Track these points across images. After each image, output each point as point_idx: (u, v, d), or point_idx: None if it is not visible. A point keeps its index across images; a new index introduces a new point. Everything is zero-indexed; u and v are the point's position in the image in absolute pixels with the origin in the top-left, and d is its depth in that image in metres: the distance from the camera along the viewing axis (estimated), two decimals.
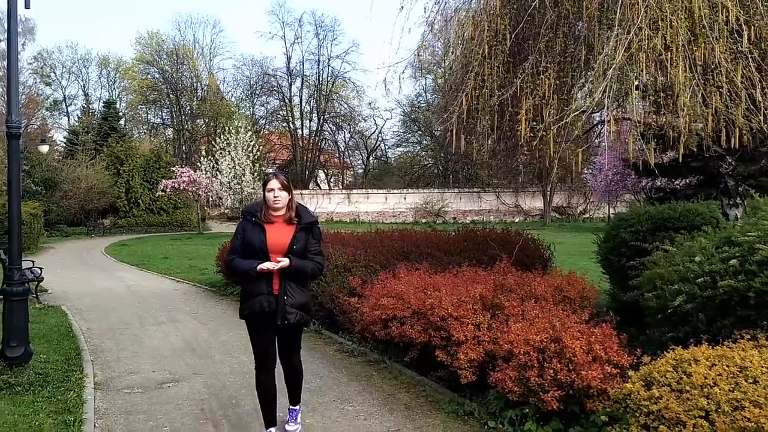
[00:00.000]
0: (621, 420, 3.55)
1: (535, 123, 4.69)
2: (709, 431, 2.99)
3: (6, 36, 6.14)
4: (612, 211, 33.87)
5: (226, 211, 39.48)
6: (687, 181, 9.05)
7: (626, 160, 8.70)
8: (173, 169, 36.07)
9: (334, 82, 56.02)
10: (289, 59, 56.29)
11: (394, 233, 10.56)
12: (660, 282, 4.51)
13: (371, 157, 61.11)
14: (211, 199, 36.26)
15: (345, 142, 59.47)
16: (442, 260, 8.41)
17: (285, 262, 4.22)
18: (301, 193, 47.89)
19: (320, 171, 59.76)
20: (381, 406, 5.31)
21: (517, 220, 45.86)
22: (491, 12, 4.80)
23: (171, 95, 54.16)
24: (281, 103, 56.78)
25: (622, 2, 4.00)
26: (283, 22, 67.15)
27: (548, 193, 44.00)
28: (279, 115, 57.59)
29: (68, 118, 59.61)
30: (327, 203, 47.88)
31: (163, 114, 58.46)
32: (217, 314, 10.12)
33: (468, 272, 6.81)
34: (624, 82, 4.13)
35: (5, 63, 47.43)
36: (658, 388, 3.39)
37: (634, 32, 3.90)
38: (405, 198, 48.22)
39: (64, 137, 49.80)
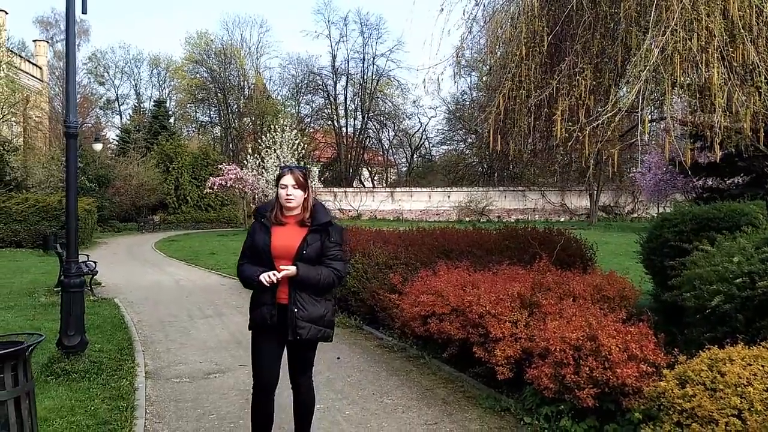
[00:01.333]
0: (655, 418, 3.59)
1: (570, 124, 4.72)
2: (741, 429, 3.02)
3: (64, 39, 6.44)
4: (661, 210, 33.17)
5: None
6: (734, 180, 8.88)
7: (671, 159, 8.58)
8: (220, 166, 36.76)
9: (378, 81, 56.24)
10: (334, 58, 56.81)
11: (435, 231, 10.64)
12: (699, 282, 4.50)
13: (415, 155, 61.16)
14: (257, 196, 36.83)
15: (389, 140, 59.72)
16: (483, 259, 8.44)
17: (289, 270, 3.71)
18: (345, 191, 48.30)
19: (364, 169, 60.08)
20: (419, 400, 5.42)
21: (562, 219, 45.31)
22: (529, 13, 4.85)
23: (219, 94, 55.17)
24: (326, 101, 57.32)
25: (657, 4, 4.01)
26: (328, 21, 67.98)
27: (595, 192, 43.21)
28: (324, 114, 58.15)
29: (120, 116, 61.49)
30: (371, 201, 48.12)
31: (211, 112, 59.64)
32: None
33: (507, 271, 6.85)
34: (660, 83, 4.13)
35: (63, 63, 49.12)
36: (692, 387, 3.42)
37: (669, 34, 3.91)
38: (449, 196, 48.06)
39: (117, 135, 51.41)
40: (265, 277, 3.68)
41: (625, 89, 4.37)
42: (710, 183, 9.89)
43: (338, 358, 6.90)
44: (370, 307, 8.32)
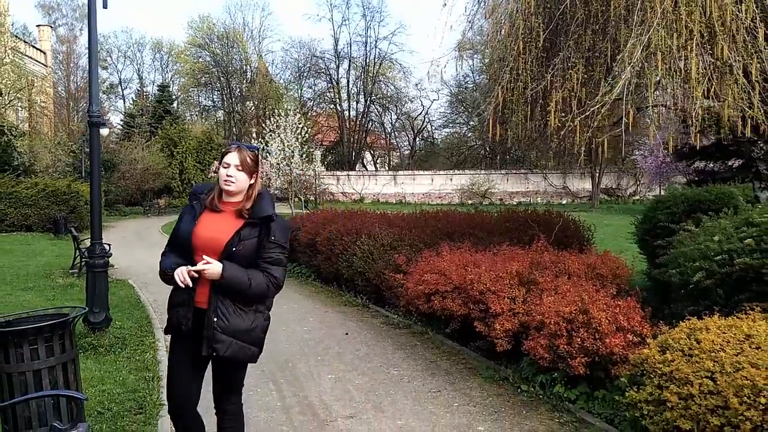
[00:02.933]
0: (639, 383, 3.95)
1: (563, 114, 5.05)
2: (712, 388, 3.37)
3: (87, 33, 6.75)
4: (663, 193, 33.40)
5: (276, 191, 40.49)
6: (728, 164, 9.20)
7: (665, 143, 8.90)
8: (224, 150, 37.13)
9: (380, 64, 56.28)
10: (336, 41, 56.82)
11: (438, 214, 10.99)
12: (683, 260, 4.85)
13: (418, 138, 61.35)
14: (260, 180, 37.21)
15: (392, 123, 59.87)
16: (484, 240, 8.79)
17: (210, 267, 3.00)
18: (348, 174, 48.53)
19: (367, 152, 60.29)
20: (423, 371, 5.81)
21: (564, 202, 45.54)
22: (526, 10, 5.16)
23: (221, 78, 55.29)
24: (328, 85, 57.42)
25: (641, 5, 4.31)
26: (330, 4, 67.97)
27: (597, 174, 43.40)
28: (326, 97, 58.27)
29: (124, 101, 61.67)
30: (373, 184, 48.35)
31: (214, 96, 59.79)
32: None
33: (507, 251, 7.20)
34: (644, 77, 4.46)
35: (65, 48, 49.00)
36: (672, 353, 3.78)
37: (651, 33, 4.23)
38: (451, 179, 48.22)
39: (121, 120, 51.65)
40: (179, 274, 3.02)
41: (609, 82, 4.68)
42: (705, 166, 10.20)
43: (346, 334, 7.29)
44: (376, 287, 8.69)
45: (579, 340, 4.65)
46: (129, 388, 5.27)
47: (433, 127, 61.09)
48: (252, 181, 3.21)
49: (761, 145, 7.44)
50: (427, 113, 60.01)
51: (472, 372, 5.73)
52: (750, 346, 3.54)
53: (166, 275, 3.14)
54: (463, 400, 5.01)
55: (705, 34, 4.39)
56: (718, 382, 3.36)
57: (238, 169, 3.16)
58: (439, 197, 46.66)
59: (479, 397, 5.09)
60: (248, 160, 3.19)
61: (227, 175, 3.16)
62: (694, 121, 4.39)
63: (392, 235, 9.19)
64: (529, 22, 5.15)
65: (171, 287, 3.21)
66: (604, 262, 6.47)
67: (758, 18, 4.38)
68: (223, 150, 3.25)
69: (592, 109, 4.57)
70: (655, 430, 3.70)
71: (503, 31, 5.51)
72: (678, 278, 4.83)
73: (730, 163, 9.23)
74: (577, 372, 4.66)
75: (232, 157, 3.17)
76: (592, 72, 5.12)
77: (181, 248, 3.18)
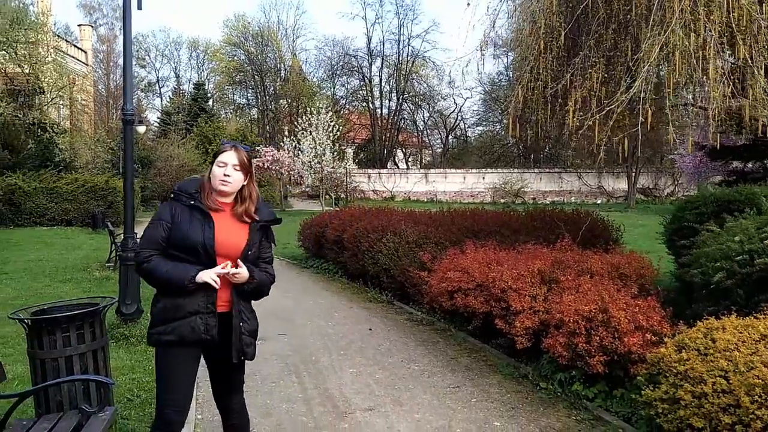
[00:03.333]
0: (655, 381, 3.96)
1: (581, 113, 5.06)
2: (725, 387, 3.38)
3: (122, 34, 6.97)
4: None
5: (307, 189, 40.83)
6: (762, 164, 9.07)
7: (697, 143, 8.80)
8: (257, 148, 37.57)
9: (413, 62, 56.27)
10: (369, 39, 57.04)
11: (466, 212, 11.03)
12: (704, 260, 4.83)
13: (450, 137, 61.17)
14: (293, 177, 37.54)
15: (424, 121, 59.81)
16: (509, 238, 8.80)
17: (243, 271, 3.01)
18: (379, 172, 48.61)
19: (398, 150, 60.35)
20: (444, 367, 5.88)
21: (599, 202, 44.92)
22: (548, 10, 5.18)
23: (256, 76, 55.90)
24: (361, 83, 57.64)
25: (661, 5, 4.30)
26: (364, 3, 67.78)
27: (633, 174, 42.70)
28: (359, 95, 58.50)
29: (161, 98, 62.85)
30: (404, 183, 48.34)
31: (248, 94, 60.49)
32: (298, 285, 10.93)
33: (531, 249, 7.21)
34: (662, 77, 4.45)
35: (105, 47, 49.99)
36: (687, 352, 3.78)
37: (668, 33, 4.22)
38: (483, 178, 47.93)
39: (158, 117, 52.67)
40: (212, 277, 2.94)
41: (627, 82, 4.68)
42: (740, 166, 10.06)
43: (370, 329, 7.39)
44: (400, 284, 8.78)
45: (598, 338, 4.67)
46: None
47: (466, 125, 60.87)
48: (247, 181, 3.15)
49: None
50: (460, 111, 59.80)
51: (492, 369, 5.78)
52: (765, 346, 3.54)
53: (177, 282, 2.94)
54: (481, 396, 5.07)
55: (726, 34, 4.37)
56: (731, 381, 3.36)
57: (236, 169, 3.09)
58: (471, 196, 46.45)
59: (497, 393, 5.14)
60: (245, 159, 3.13)
61: (225, 175, 3.07)
62: (711, 121, 4.37)
63: (418, 233, 9.25)
64: (550, 21, 5.16)
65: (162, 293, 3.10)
66: (629, 262, 6.43)
67: None
68: (217, 150, 3.16)
69: (608, 108, 4.58)
70: (669, 428, 3.72)
71: (525, 30, 5.55)
72: (699, 278, 4.82)
73: (766, 163, 9.09)
74: (595, 370, 4.68)
75: (230, 156, 3.09)
76: (612, 71, 5.13)
77: (185, 253, 3.00)
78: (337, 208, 19.95)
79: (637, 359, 4.52)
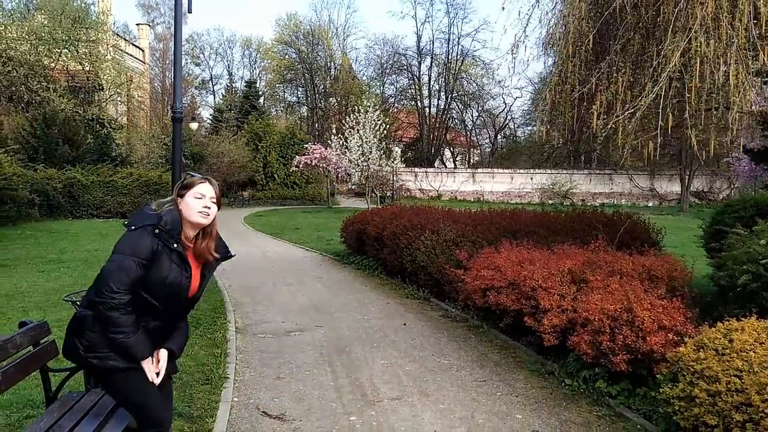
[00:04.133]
0: (675, 379, 4.04)
1: (605, 117, 5.12)
2: (738, 387, 3.45)
3: (164, 22, 7.31)
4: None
5: (353, 186, 41.23)
6: None
7: (744, 146, 8.68)
8: (306, 145, 38.12)
9: (463, 61, 56.09)
10: (419, 38, 57.53)
11: (505, 212, 11.10)
12: (731, 263, 4.85)
13: (499, 136, 60.76)
14: (340, 175, 37.99)
15: (473, 120, 59.59)
16: (547, 239, 8.85)
17: (165, 358, 3.02)
18: (426, 171, 48.69)
19: (446, 149, 60.24)
20: (473, 362, 6.02)
21: (650, 205, 44.03)
22: (577, 15, 5.25)
23: (306, 74, 56.65)
24: (410, 81, 57.78)
25: (684, 11, 4.33)
26: (414, 1, 68.19)
27: (686, 176, 41.61)
28: (408, 94, 58.66)
29: (214, 96, 64.38)
30: (451, 182, 48.29)
31: (299, 93, 61.38)
32: (338, 279, 11.19)
33: (565, 250, 7.28)
34: (683, 81, 4.49)
35: (162, 45, 51.42)
36: (705, 352, 3.85)
37: (689, 39, 4.25)
38: (532, 178, 47.47)
39: (210, 114, 54.00)
40: (151, 373, 2.91)
41: (650, 86, 4.72)
42: None
43: (404, 324, 7.58)
44: (437, 281, 8.93)
45: (622, 337, 4.75)
46: (199, 362, 5.77)
47: (516, 125, 60.35)
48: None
49: None
50: (509, 110, 59.35)
51: (519, 365, 5.89)
52: None
53: (132, 353, 2.83)
54: (507, 390, 5.20)
55: (751, 40, 4.37)
56: (744, 381, 3.43)
57: (213, 202, 3.02)
58: (519, 196, 46.07)
59: (523, 388, 5.26)
60: (219, 192, 3.08)
61: (205, 207, 2.97)
62: (731, 126, 4.39)
63: (455, 232, 9.38)
64: (579, 25, 5.24)
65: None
66: (661, 264, 6.44)
67: None
68: (186, 181, 3.03)
69: (628, 112, 4.64)
70: (685, 425, 3.80)
71: (555, 34, 5.63)
72: (726, 281, 4.84)
73: None
74: (618, 368, 4.76)
75: (208, 189, 3.00)
76: (639, 76, 5.17)
77: (159, 299, 2.88)
78: (381, 206, 20.18)
79: (659, 358, 4.58)
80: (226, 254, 3.17)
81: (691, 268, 6.74)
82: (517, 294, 6.31)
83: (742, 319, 4.07)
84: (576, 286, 5.91)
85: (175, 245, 2.87)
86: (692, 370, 3.83)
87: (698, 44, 4.31)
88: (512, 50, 5.75)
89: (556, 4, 5.72)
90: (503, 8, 5.84)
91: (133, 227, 2.87)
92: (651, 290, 5.27)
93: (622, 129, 4.89)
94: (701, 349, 3.92)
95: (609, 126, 4.98)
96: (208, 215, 2.97)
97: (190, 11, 6.94)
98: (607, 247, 7.14)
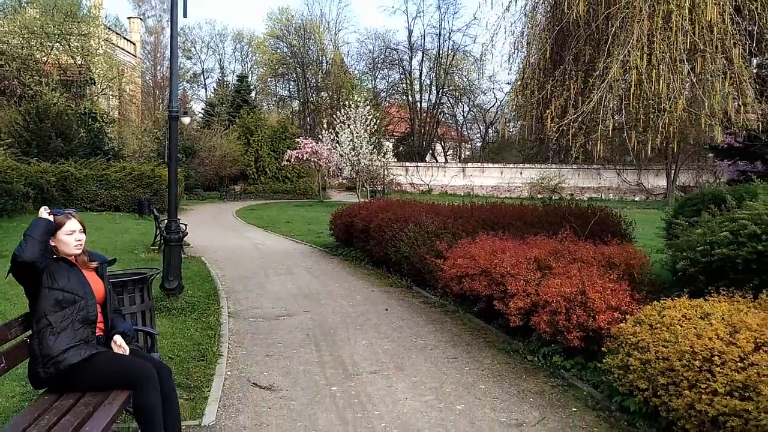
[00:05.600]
0: (616, 351, 4.59)
1: (558, 120, 5.66)
2: (665, 355, 3.99)
3: (169, 34, 7.77)
4: None
5: (344, 180, 41.73)
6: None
7: (711, 145, 9.25)
8: (297, 140, 38.60)
9: (454, 56, 56.56)
10: (410, 33, 57.87)
11: (485, 206, 11.63)
12: (674, 250, 5.40)
13: (490, 131, 61.32)
14: (331, 169, 38.46)
15: (463, 115, 60.09)
16: (522, 230, 9.37)
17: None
18: (417, 166, 49.14)
19: (438, 144, 60.74)
20: (446, 342, 6.56)
21: (637, 199, 44.71)
22: (537, 26, 5.77)
23: (298, 69, 56.99)
24: (402, 76, 58.23)
25: (624, 28, 4.87)
26: None
27: (672, 171, 42.22)
28: (399, 88, 59.09)
29: (206, 89, 64.60)
30: (442, 176, 48.75)
31: (290, 87, 61.74)
32: (327, 270, 11.72)
33: (536, 240, 7.82)
34: (620, 89, 5.03)
35: (153, 38, 51.42)
36: (641, 326, 4.41)
37: (626, 52, 4.78)
38: (521, 173, 47.95)
39: (202, 108, 54.24)
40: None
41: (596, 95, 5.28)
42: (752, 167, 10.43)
43: (386, 309, 8.11)
44: (418, 270, 9.46)
45: (575, 316, 5.29)
46: (195, 341, 6.29)
47: (506, 120, 60.70)
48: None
49: None
50: (500, 105, 59.82)
51: (489, 345, 6.44)
52: (703, 321, 4.13)
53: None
54: (474, 366, 5.74)
55: (687, 51, 4.91)
56: (668, 349, 3.98)
57: (81, 232, 3.73)
58: (509, 190, 46.63)
59: (489, 363, 5.81)
60: (81, 221, 3.79)
61: (77, 240, 3.69)
62: (661, 128, 4.93)
63: (437, 224, 9.89)
64: (537, 36, 5.75)
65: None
66: (620, 253, 6.98)
67: (735, 38, 4.86)
68: (56, 221, 3.61)
69: (574, 117, 5.19)
70: (622, 390, 4.36)
71: (519, 43, 6.16)
72: (669, 266, 5.39)
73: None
74: (573, 344, 5.31)
75: (74, 224, 3.69)
76: (591, 84, 5.69)
77: (72, 311, 3.56)
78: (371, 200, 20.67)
79: (606, 335, 5.12)
80: (105, 259, 4.00)
81: (648, 257, 7.31)
82: (488, 280, 6.84)
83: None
84: (541, 272, 6.45)
85: (54, 255, 3.66)
86: (629, 342, 4.38)
87: (635, 57, 4.85)
88: (480, 57, 6.22)
89: (519, 16, 6.24)
90: (474, 17, 6.30)
91: None
92: (605, 275, 5.82)
93: (572, 131, 5.42)
94: (638, 325, 4.47)
95: (560, 128, 5.51)
96: (81, 245, 3.73)
97: (185, 16, 7.41)
98: (573, 238, 7.68)
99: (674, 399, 3.80)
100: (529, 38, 5.92)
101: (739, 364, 3.56)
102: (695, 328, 4.02)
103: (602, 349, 5.17)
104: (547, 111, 5.67)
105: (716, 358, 3.66)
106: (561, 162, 50.26)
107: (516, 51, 6.30)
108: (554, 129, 5.66)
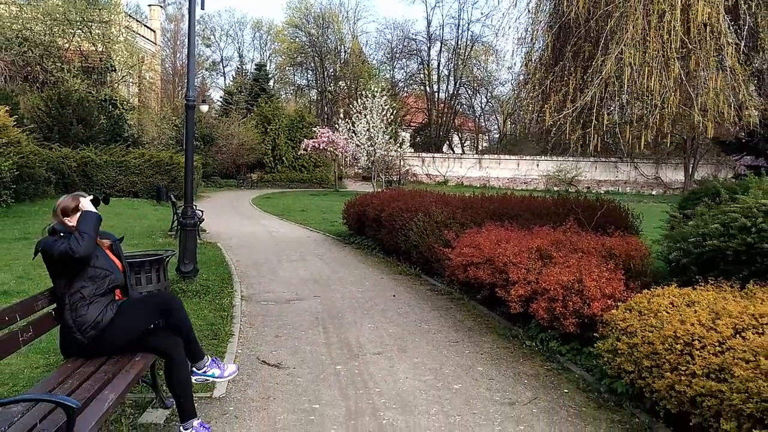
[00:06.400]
0: (606, 336, 4.80)
1: (556, 114, 5.85)
2: (650, 338, 4.19)
3: (187, 27, 8.02)
4: None
5: (360, 170, 41.97)
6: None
7: (715, 138, 9.36)
8: (314, 129, 38.86)
9: (472, 47, 56.39)
10: (429, 23, 57.91)
11: (494, 197, 11.82)
12: (668, 242, 5.58)
13: (508, 122, 61.09)
14: (347, 159, 38.68)
15: (481, 106, 59.94)
16: (529, 221, 9.54)
17: None
18: (433, 156, 49.12)
19: (455, 135, 60.68)
20: (450, 327, 6.81)
21: (654, 193, 44.43)
22: (539, 23, 5.95)
23: (316, 58, 57.18)
24: (419, 66, 58.21)
25: (619, 26, 5.03)
26: None
27: (690, 165, 42.00)
28: (417, 78, 59.08)
29: (224, 78, 65.08)
30: (458, 167, 48.68)
31: (308, 76, 61.96)
32: (338, 257, 11.99)
33: (541, 230, 8.01)
34: (615, 86, 5.20)
35: (173, 26, 51.82)
36: (630, 313, 4.61)
37: (620, 50, 4.95)
38: (537, 165, 47.70)
39: (221, 97, 54.71)
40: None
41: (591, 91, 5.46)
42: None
43: (394, 296, 8.36)
44: (426, 259, 9.69)
45: (572, 304, 5.50)
46: (208, 321, 6.58)
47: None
48: None
49: None
50: (507, 99, 59.47)
51: (490, 330, 6.67)
52: (688, 308, 4.33)
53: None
54: (474, 349, 5.98)
55: (679, 50, 5.07)
56: (653, 333, 4.18)
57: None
58: (525, 183, 46.54)
59: (489, 348, 6.04)
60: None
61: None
62: (652, 124, 5.10)
63: (446, 214, 10.11)
64: (539, 33, 5.94)
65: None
66: (621, 244, 7.16)
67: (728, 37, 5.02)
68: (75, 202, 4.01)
69: (567, 111, 5.37)
70: (611, 372, 4.59)
71: (525, 39, 6.35)
72: (664, 257, 5.57)
73: None
74: (569, 330, 5.52)
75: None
76: (588, 80, 5.85)
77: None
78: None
79: (601, 321, 5.33)
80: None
81: (650, 249, 7.48)
82: (492, 269, 7.06)
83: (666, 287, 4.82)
84: (542, 261, 6.65)
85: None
86: (619, 327, 4.59)
87: (629, 55, 5.02)
88: (485, 53, 6.38)
89: (523, 12, 6.41)
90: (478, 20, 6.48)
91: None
92: (602, 265, 6.01)
93: (568, 125, 5.61)
94: (628, 311, 4.68)
95: (557, 122, 5.71)
96: None
97: (203, 8, 7.65)
98: (577, 229, 7.86)
99: (657, 380, 4.00)
100: (532, 35, 6.12)
101: (717, 348, 3.76)
102: (680, 315, 4.21)
103: (595, 334, 5.41)
104: (546, 105, 5.86)
105: (696, 342, 3.86)
106: (578, 155, 50.32)
107: (519, 47, 6.51)
108: (551, 123, 5.85)
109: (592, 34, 5.76)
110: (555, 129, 5.93)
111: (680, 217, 5.90)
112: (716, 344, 3.78)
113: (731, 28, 5.21)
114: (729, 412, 3.45)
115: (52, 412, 2.88)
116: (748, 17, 5.06)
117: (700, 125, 5.42)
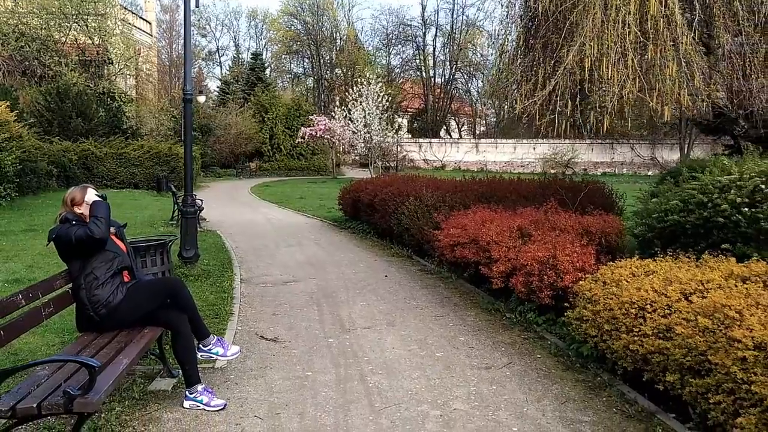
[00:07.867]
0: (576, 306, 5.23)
1: (527, 100, 6.27)
2: (612, 305, 4.61)
3: (182, 17, 8.39)
4: None
5: (357, 157, 42.30)
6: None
7: (694, 119, 9.75)
8: (311, 117, 39.13)
9: (467, 31, 56.49)
10: (424, 8, 57.52)
11: (483, 180, 12.22)
12: (635, 218, 5.99)
13: (505, 106, 61.21)
14: (344, 146, 38.98)
15: (478, 91, 60.09)
16: (516, 203, 9.95)
17: None
18: (430, 142, 49.34)
19: (452, 120, 60.88)
20: (436, 303, 7.24)
21: (650, 174, 44.65)
22: (512, 17, 6.35)
23: (311, 46, 57.30)
24: (415, 52, 58.35)
25: (581, 20, 5.42)
26: None
27: (685, 146, 42.23)
28: (413, 64, 59.22)
29: (221, 67, 65.20)
30: (455, 152, 48.93)
31: (304, 64, 62.09)
32: (334, 241, 12.42)
33: (525, 211, 8.43)
34: (577, 75, 5.60)
35: (168, 17, 51.83)
36: (596, 284, 5.04)
37: (581, 41, 5.33)
38: (534, 148, 47.89)
39: (217, 87, 54.87)
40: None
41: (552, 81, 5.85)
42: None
43: (386, 276, 8.80)
44: (417, 241, 10.11)
45: (546, 277, 5.92)
46: (209, 303, 7.01)
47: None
48: None
49: (742, 123, 8.24)
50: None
51: (474, 305, 7.11)
52: (647, 277, 4.75)
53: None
54: (458, 322, 6.42)
55: (639, 41, 5.45)
56: (614, 300, 4.61)
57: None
58: (522, 166, 46.79)
59: (471, 320, 6.48)
60: None
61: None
62: (610, 109, 5.50)
63: (436, 198, 10.51)
64: (511, 25, 6.35)
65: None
66: (598, 222, 7.57)
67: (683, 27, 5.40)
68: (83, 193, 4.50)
69: (536, 98, 5.78)
70: (578, 338, 5.02)
71: (501, 30, 6.74)
72: (630, 232, 5.99)
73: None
74: (544, 302, 5.94)
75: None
76: (557, 69, 6.24)
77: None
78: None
79: (572, 293, 5.76)
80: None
81: (624, 225, 7.89)
82: (476, 248, 7.47)
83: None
84: (522, 240, 7.08)
85: None
86: (585, 297, 5.02)
87: (588, 47, 5.41)
88: (484, 34, 6.76)
89: (495, 7, 6.76)
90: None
91: None
92: (576, 241, 6.43)
93: (536, 110, 6.01)
94: (594, 282, 5.10)
95: (525, 108, 6.11)
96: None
97: (197, 5, 8.00)
98: (558, 209, 8.27)
99: (615, 342, 4.44)
100: (505, 26, 6.52)
101: (666, 311, 4.18)
102: (637, 283, 4.64)
103: (566, 305, 5.85)
104: (518, 92, 6.25)
105: (648, 306, 4.29)
106: (574, 137, 50.58)
107: (496, 39, 6.86)
108: (521, 109, 6.25)
109: (558, 27, 6.14)
110: (525, 115, 6.34)
111: (647, 194, 6.31)
112: (665, 307, 4.21)
113: (686, 18, 5.60)
114: (673, 365, 3.88)
115: (74, 374, 3.31)
116: (699, 9, 5.44)
117: (658, 110, 5.81)
